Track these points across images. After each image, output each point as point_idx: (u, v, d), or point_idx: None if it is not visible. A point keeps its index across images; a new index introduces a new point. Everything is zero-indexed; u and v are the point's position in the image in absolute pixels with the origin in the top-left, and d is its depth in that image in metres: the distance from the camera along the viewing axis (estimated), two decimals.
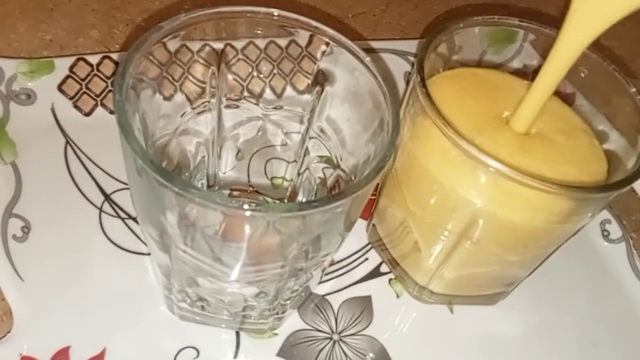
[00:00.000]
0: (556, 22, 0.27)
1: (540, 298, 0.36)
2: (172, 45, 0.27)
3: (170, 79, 0.29)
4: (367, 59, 0.27)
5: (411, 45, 0.45)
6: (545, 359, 0.33)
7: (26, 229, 0.32)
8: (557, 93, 0.31)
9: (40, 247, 0.31)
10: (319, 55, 0.29)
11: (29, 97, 0.36)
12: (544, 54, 0.33)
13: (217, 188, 0.35)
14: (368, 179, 0.23)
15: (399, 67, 0.43)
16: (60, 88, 0.37)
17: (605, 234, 0.39)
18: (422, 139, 0.27)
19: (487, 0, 0.54)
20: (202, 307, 0.30)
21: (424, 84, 0.27)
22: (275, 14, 0.27)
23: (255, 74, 0.33)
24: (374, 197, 0.36)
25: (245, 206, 0.21)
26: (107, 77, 0.38)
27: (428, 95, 0.26)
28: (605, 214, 0.40)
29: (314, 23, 0.27)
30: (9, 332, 0.28)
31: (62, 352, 0.28)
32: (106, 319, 0.30)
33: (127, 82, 0.23)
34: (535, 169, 0.26)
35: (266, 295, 0.28)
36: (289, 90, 0.35)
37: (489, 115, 0.28)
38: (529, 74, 0.33)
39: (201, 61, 0.29)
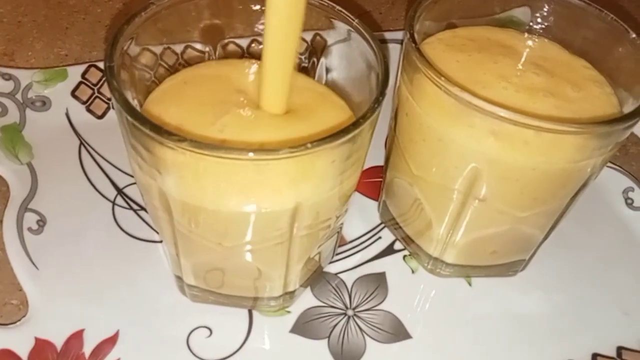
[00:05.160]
0: None
1: (563, 269, 0.34)
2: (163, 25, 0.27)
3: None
4: (356, 21, 0.27)
5: None
6: (572, 330, 0.32)
7: (41, 222, 0.32)
8: None
9: (55, 239, 0.32)
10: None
11: (44, 103, 0.38)
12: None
13: None
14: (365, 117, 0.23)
15: None
16: (73, 94, 0.38)
17: (629, 202, 0.38)
18: (419, 95, 0.27)
19: None
20: (214, 284, 0.30)
21: (413, 40, 0.27)
22: None
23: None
24: (380, 179, 0.36)
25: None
26: None
27: (418, 49, 0.26)
28: (628, 182, 0.39)
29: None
30: (24, 316, 0.29)
31: (76, 334, 0.29)
32: (119, 303, 0.30)
33: (117, 50, 0.24)
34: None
35: (274, 258, 0.28)
36: None
37: (484, 68, 0.28)
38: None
39: (194, 42, 0.30)
